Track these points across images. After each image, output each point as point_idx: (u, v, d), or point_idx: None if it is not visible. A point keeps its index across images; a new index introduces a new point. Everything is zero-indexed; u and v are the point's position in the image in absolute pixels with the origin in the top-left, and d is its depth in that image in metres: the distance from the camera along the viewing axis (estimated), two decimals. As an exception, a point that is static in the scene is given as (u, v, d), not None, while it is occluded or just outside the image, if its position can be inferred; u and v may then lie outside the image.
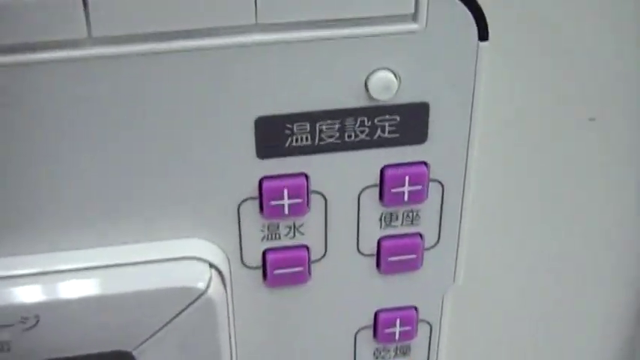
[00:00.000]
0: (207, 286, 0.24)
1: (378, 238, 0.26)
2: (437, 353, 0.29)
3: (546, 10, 0.27)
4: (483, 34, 0.24)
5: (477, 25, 0.23)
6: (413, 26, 0.23)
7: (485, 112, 0.28)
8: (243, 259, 0.26)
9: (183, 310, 0.25)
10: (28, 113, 0.23)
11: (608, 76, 0.29)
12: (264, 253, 0.26)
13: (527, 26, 0.27)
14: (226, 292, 0.25)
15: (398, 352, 0.29)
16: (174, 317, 0.25)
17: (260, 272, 0.26)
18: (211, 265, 0.25)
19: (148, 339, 0.25)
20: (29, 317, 0.24)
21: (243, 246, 0.25)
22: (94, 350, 0.25)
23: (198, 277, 0.24)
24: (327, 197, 0.25)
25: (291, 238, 0.26)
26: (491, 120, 0.28)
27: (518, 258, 0.30)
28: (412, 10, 0.23)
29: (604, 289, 0.32)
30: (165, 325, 0.25)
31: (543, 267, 0.31)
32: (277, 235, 0.26)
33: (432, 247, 0.27)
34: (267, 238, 0.26)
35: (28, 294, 0.24)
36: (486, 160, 0.29)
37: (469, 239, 0.27)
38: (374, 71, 0.23)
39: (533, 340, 0.32)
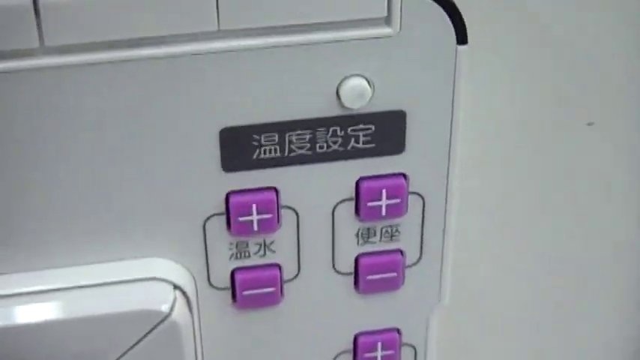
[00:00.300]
0: (171, 309, 0.24)
1: (355, 255, 0.26)
2: (423, 379, 0.29)
3: (544, 13, 0.28)
4: (462, 38, 0.24)
5: (455, 29, 0.23)
6: (386, 30, 0.23)
7: (476, 119, 0.28)
8: (211, 279, 0.26)
9: (145, 336, 0.25)
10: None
11: (607, 80, 0.30)
12: (232, 273, 0.26)
13: (523, 29, 0.28)
14: (192, 315, 0.25)
15: (381, 377, 0.29)
16: (136, 343, 0.25)
17: (229, 293, 0.26)
18: (175, 287, 0.25)
19: (108, 367, 0.25)
20: (-21, 344, 0.24)
21: (210, 265, 0.25)
22: (52, 379, 0.26)
23: (161, 299, 0.24)
24: (299, 212, 0.25)
25: (261, 257, 0.26)
26: (482, 127, 0.29)
27: (510, 275, 0.31)
28: (385, 14, 0.23)
29: (603, 303, 0.32)
30: (127, 351, 0.25)
31: (538, 283, 0.31)
32: (246, 254, 0.26)
33: (414, 264, 0.27)
34: (236, 257, 0.26)
35: (-22, 319, 0.24)
36: (475, 170, 0.30)
37: (455, 255, 0.27)
38: (346, 78, 0.23)
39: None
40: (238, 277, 0.26)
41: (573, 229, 0.31)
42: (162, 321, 0.24)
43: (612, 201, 0.31)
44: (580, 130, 0.30)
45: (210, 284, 0.26)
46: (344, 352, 0.28)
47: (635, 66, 0.29)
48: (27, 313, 0.24)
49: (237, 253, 0.25)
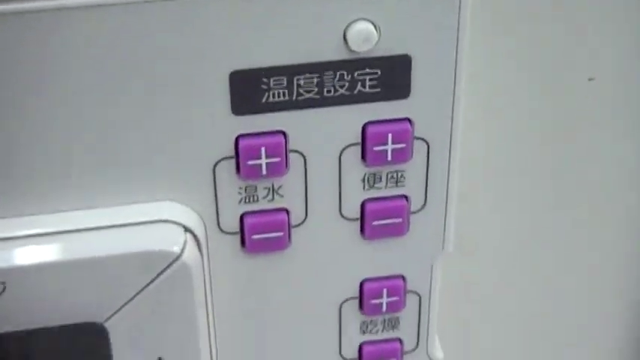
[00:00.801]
0: (182, 250, 0.26)
1: (361, 200, 0.28)
2: (427, 326, 0.30)
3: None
4: (466, -17, 0.26)
5: (459, -26, 0.25)
6: (392, -26, 0.25)
7: (479, 70, 0.30)
8: (220, 223, 0.27)
9: (157, 277, 0.26)
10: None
11: (608, 36, 0.31)
12: (241, 218, 0.27)
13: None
14: (202, 257, 0.27)
15: (386, 325, 0.30)
16: (148, 284, 0.26)
17: (238, 238, 0.27)
18: (186, 229, 0.26)
19: (119, 309, 0.26)
20: (-5, 283, 0.26)
21: (219, 209, 0.27)
22: (64, 322, 0.26)
23: (172, 241, 0.26)
24: (306, 156, 0.27)
25: (269, 201, 0.27)
26: (485, 78, 0.30)
27: (513, 223, 0.32)
28: (391, -42, 0.25)
29: (599, 253, 0.34)
30: (138, 292, 0.26)
31: (539, 232, 0.32)
32: (255, 198, 0.27)
33: (419, 210, 0.28)
34: (245, 201, 0.27)
35: (-6, 259, 0.25)
36: (479, 119, 0.31)
37: (459, 202, 0.29)
38: (353, 22, 0.25)
39: (529, 312, 0.34)
40: (247, 221, 0.27)
41: (575, 182, 0.32)
42: (173, 262, 0.26)
43: (612, 153, 0.32)
44: (579, 87, 0.32)
45: (220, 229, 0.27)
46: (350, 298, 0.29)
47: (635, 20, 0.31)
48: (40, 254, 0.25)
49: (246, 198, 0.27)
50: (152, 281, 0.26)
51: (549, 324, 0.34)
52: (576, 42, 0.31)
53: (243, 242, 0.27)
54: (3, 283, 0.25)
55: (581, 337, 0.35)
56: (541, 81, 0.31)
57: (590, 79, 0.32)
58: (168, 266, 0.26)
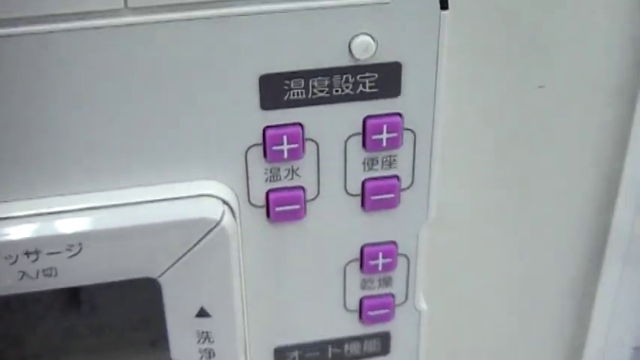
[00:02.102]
0: (221, 218, 0.32)
1: (362, 179, 0.34)
2: (415, 284, 0.37)
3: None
4: (444, 4, 0.31)
5: (439, -3, 0.32)
6: (385, -2, 0.31)
7: (456, 73, 0.35)
8: (250, 198, 0.33)
9: (200, 240, 0.32)
10: (61, 78, 0.29)
11: (557, 43, 0.36)
12: (267, 194, 0.33)
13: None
14: (237, 225, 0.33)
15: (381, 282, 0.36)
16: (193, 246, 0.32)
17: (264, 210, 0.33)
18: (224, 202, 0.32)
19: (170, 267, 0.32)
20: (74, 245, 0.31)
21: (249, 187, 0.33)
22: (127, 277, 0.32)
23: (213, 211, 0.32)
24: (319, 144, 0.33)
25: (289, 180, 0.33)
26: (461, 80, 0.36)
27: (487, 197, 0.38)
28: (384, -14, 0.31)
29: (566, 217, 0.40)
30: (185, 253, 0.32)
31: (508, 201, 0.38)
32: (278, 177, 0.33)
33: (408, 187, 0.34)
34: (270, 180, 0.33)
35: (73, 225, 0.31)
36: (456, 115, 0.37)
37: (440, 180, 0.35)
38: (355, 36, 0.31)
39: (504, 271, 0.40)
40: (271, 196, 0.33)
41: (536, 166, 0.38)
42: (214, 227, 0.32)
43: (562, 156, 0.38)
44: (532, 91, 0.37)
45: (250, 202, 0.33)
46: (353, 260, 0.35)
47: (585, 28, 0.36)
48: (109, 221, 0.31)
49: (271, 177, 0.33)
50: (197, 244, 0.32)
51: (522, 280, 0.40)
52: (528, 51, 0.36)
53: (268, 214, 0.33)
54: (80, 244, 0.31)
55: (552, 289, 0.40)
56: (495, 89, 0.36)
57: (540, 87, 0.37)
58: (209, 231, 0.32)
